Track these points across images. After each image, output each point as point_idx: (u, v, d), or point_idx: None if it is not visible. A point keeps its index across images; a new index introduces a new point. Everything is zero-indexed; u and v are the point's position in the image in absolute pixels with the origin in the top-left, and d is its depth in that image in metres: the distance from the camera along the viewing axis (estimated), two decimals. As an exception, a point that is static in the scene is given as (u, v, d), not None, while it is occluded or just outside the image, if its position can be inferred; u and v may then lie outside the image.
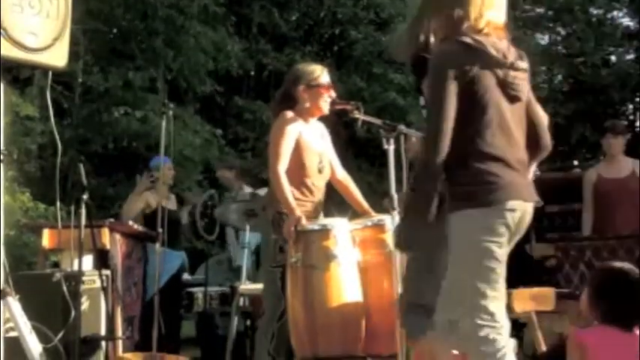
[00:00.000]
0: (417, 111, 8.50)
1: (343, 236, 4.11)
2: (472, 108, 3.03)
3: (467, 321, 3.03)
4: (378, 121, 4.28)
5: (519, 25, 15.70)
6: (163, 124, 5.42)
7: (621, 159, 6.44)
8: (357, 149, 12.25)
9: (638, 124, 15.55)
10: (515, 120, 3.13)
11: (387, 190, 3.88)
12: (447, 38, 3.15)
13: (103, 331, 4.91)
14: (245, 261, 6.13)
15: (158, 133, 5.62)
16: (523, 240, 5.76)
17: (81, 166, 4.47)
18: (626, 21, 15.50)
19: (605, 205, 6.26)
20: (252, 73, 13.42)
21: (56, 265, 5.38)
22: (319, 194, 4.51)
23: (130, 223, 5.90)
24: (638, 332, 3.16)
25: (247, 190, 7.67)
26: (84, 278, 4.62)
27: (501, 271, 3.05)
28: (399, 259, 3.79)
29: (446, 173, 3.05)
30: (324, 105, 4.47)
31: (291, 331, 4.08)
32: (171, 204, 6.94)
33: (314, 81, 4.47)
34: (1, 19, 3.61)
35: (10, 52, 3.68)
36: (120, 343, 5.23)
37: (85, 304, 4.71)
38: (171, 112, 5.48)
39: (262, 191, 6.28)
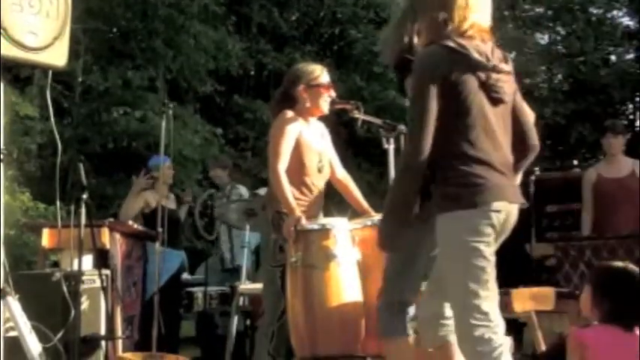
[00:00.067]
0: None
1: (343, 236, 4.10)
2: (455, 111, 3.07)
3: (461, 321, 3.07)
4: (378, 121, 4.28)
5: (519, 24, 15.72)
6: (163, 123, 5.42)
7: (621, 159, 6.44)
8: (357, 149, 12.25)
9: (637, 123, 15.55)
10: (500, 122, 3.16)
11: (387, 190, 3.87)
12: (432, 41, 3.18)
13: (102, 331, 4.91)
14: (245, 261, 6.14)
15: (158, 133, 5.62)
16: (523, 240, 5.82)
17: (81, 165, 4.46)
18: (626, 20, 15.51)
19: (605, 205, 6.27)
20: (252, 72, 13.42)
21: (56, 264, 5.38)
22: (319, 194, 4.51)
23: (130, 222, 5.90)
24: (638, 332, 3.16)
25: (241, 188, 7.69)
26: (84, 278, 4.62)
27: (491, 270, 3.10)
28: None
29: (432, 175, 3.09)
30: (324, 104, 4.47)
31: (291, 331, 4.08)
32: (171, 203, 6.94)
33: (314, 81, 4.47)
34: (1, 18, 3.61)
35: (10, 51, 3.68)
36: (120, 342, 5.23)
37: (84, 304, 4.70)
38: (171, 112, 5.48)
39: (262, 191, 6.28)
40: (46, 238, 5.32)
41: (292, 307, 4.08)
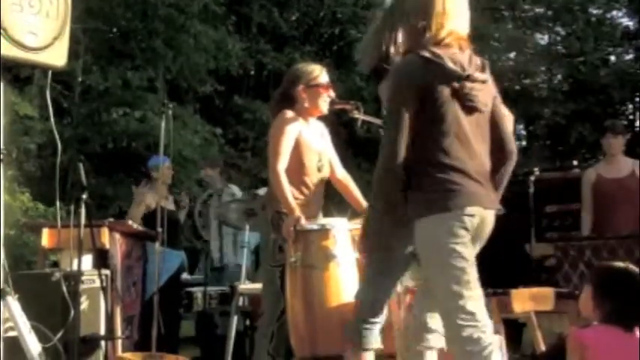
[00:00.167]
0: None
1: (342, 236, 4.10)
2: (430, 119, 3.14)
3: (448, 323, 3.13)
4: (377, 121, 4.28)
5: (519, 24, 15.72)
6: (163, 123, 5.42)
7: (621, 159, 6.44)
8: (357, 149, 12.25)
9: (637, 123, 15.57)
10: (476, 131, 3.22)
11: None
12: (410, 49, 3.25)
13: (102, 331, 4.91)
14: (245, 261, 6.14)
15: (157, 133, 5.62)
16: (522, 240, 5.82)
17: (80, 165, 4.46)
18: (626, 21, 15.53)
19: (605, 205, 6.26)
20: (252, 72, 13.42)
21: (55, 264, 5.38)
22: (318, 194, 4.51)
23: (130, 222, 5.90)
24: (638, 333, 3.16)
25: (234, 188, 7.70)
26: (83, 278, 4.62)
27: (471, 271, 3.14)
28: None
29: (409, 182, 3.17)
30: (324, 105, 4.47)
31: (291, 331, 4.08)
32: (170, 204, 6.94)
33: (313, 81, 4.47)
34: (1, 18, 3.61)
35: (10, 51, 3.68)
36: (119, 342, 5.23)
37: (84, 304, 4.70)
38: (170, 112, 5.48)
39: (262, 191, 6.27)
40: (46, 238, 5.32)
41: (292, 307, 4.08)
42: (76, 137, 10.86)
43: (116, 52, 11.82)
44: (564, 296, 4.94)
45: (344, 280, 4.05)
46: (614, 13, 15.52)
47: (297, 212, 4.13)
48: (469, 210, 3.12)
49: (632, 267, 3.29)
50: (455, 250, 3.10)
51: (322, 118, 4.63)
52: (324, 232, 4.09)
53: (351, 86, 12.37)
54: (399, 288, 3.86)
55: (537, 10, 15.83)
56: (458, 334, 3.09)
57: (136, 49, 11.65)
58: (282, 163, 4.29)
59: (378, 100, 4.22)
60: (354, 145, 11.93)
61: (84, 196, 4.38)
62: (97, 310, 4.89)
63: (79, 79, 10.98)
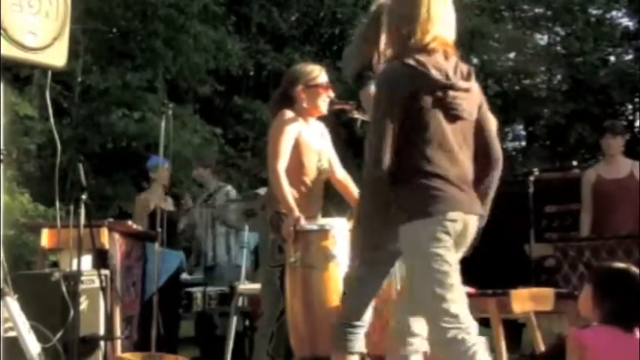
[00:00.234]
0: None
1: (342, 236, 4.10)
2: (413, 127, 3.18)
3: (433, 327, 3.18)
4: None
5: (518, 25, 15.73)
6: (162, 124, 5.42)
7: (620, 159, 6.44)
8: (357, 149, 12.21)
9: (637, 124, 15.57)
10: (459, 138, 3.25)
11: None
12: (397, 55, 3.28)
13: (101, 331, 4.91)
14: (244, 261, 6.14)
15: (157, 133, 5.61)
16: (522, 240, 5.82)
17: (80, 165, 4.46)
18: (625, 21, 15.55)
19: (604, 206, 6.27)
20: (252, 72, 13.43)
21: (55, 264, 5.38)
22: (318, 194, 4.51)
23: (129, 222, 5.90)
24: (638, 334, 3.16)
25: (227, 187, 7.72)
26: (83, 278, 4.62)
27: (455, 274, 3.19)
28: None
29: (393, 188, 3.20)
30: (323, 105, 4.47)
31: (290, 331, 4.08)
32: (169, 205, 6.95)
33: (312, 81, 4.46)
34: (0, 18, 3.61)
35: (10, 51, 3.68)
36: (119, 342, 5.23)
37: (83, 304, 4.70)
38: (170, 112, 5.48)
39: (262, 191, 6.28)
40: (46, 238, 5.32)
41: (291, 307, 4.08)
42: (75, 137, 10.87)
43: (116, 53, 11.83)
44: (564, 296, 4.94)
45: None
46: (614, 13, 15.54)
47: (297, 212, 4.13)
48: (451, 215, 3.17)
49: (633, 268, 3.29)
50: (437, 254, 3.14)
51: (322, 119, 4.63)
52: (323, 232, 4.09)
53: (350, 86, 12.32)
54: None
55: (537, 10, 15.85)
56: (443, 336, 3.13)
57: (136, 50, 11.65)
58: (282, 164, 4.29)
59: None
60: (353, 145, 11.90)
61: (83, 197, 4.38)
62: (96, 310, 4.89)
63: (79, 80, 11.00)
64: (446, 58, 3.26)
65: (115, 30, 12.17)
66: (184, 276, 7.32)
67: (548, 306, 4.87)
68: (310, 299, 4.02)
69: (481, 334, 5.51)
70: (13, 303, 3.71)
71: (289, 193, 4.22)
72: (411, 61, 3.18)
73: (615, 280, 3.26)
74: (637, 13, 15.07)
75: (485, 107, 3.42)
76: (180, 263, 6.91)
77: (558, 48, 15.88)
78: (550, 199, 6.73)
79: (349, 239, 3.72)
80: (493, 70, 14.98)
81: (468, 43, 14.20)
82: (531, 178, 5.80)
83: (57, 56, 3.90)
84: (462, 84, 3.25)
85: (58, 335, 4.09)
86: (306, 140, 4.41)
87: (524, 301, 4.74)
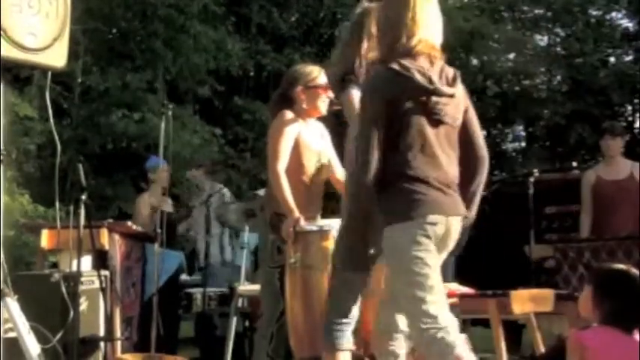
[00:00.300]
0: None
1: (342, 237, 4.10)
2: (396, 131, 3.22)
3: (413, 328, 3.25)
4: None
5: (518, 25, 15.73)
6: (162, 125, 5.42)
7: (620, 160, 6.44)
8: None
9: (636, 125, 15.56)
10: (442, 142, 3.30)
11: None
12: (383, 59, 3.34)
13: (101, 332, 4.91)
14: (244, 262, 6.14)
15: (157, 134, 5.61)
16: (522, 241, 5.82)
17: (80, 166, 4.46)
18: (625, 22, 15.53)
19: (604, 207, 6.27)
20: (252, 73, 13.42)
21: (55, 265, 5.38)
22: (317, 194, 4.51)
23: (129, 223, 5.90)
24: (637, 336, 3.16)
25: (222, 188, 7.73)
26: (82, 279, 4.62)
27: (435, 276, 3.23)
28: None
29: (377, 192, 3.24)
30: (322, 105, 4.47)
31: (290, 332, 4.08)
32: (168, 207, 6.94)
33: (311, 82, 4.46)
34: (0, 19, 3.61)
35: (10, 52, 3.67)
36: (118, 343, 5.23)
37: (83, 305, 4.70)
38: (170, 113, 5.48)
39: (262, 192, 6.28)
40: (45, 239, 5.32)
41: (291, 308, 4.08)
42: (75, 138, 10.86)
43: (116, 53, 11.82)
44: (564, 297, 4.94)
45: (343, 281, 4.05)
46: (614, 14, 15.53)
47: (297, 213, 4.13)
48: (431, 218, 3.21)
49: (633, 270, 3.29)
50: (417, 257, 3.19)
51: (321, 119, 4.63)
52: (323, 233, 4.09)
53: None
54: None
55: (537, 11, 15.84)
56: (423, 336, 3.19)
57: (136, 50, 11.65)
58: (282, 164, 4.29)
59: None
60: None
61: (83, 197, 4.38)
62: (96, 311, 4.89)
63: (79, 80, 10.99)
64: (431, 62, 3.31)
65: (115, 30, 12.16)
66: (184, 277, 7.32)
67: (548, 307, 4.87)
68: (310, 300, 4.02)
69: (481, 334, 5.54)
70: (13, 304, 3.71)
71: (289, 194, 4.22)
72: (395, 66, 3.22)
73: (615, 281, 3.26)
74: (637, 14, 15.06)
75: (472, 111, 3.46)
76: (179, 264, 6.91)
77: (558, 49, 15.88)
78: (550, 200, 6.74)
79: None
80: (493, 71, 14.98)
81: (467, 43, 14.22)
82: (531, 179, 5.81)
83: (57, 57, 3.90)
84: (446, 89, 3.29)
85: (58, 336, 4.09)
86: (305, 141, 4.41)
87: (524, 302, 4.74)
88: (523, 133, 16.57)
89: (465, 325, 5.03)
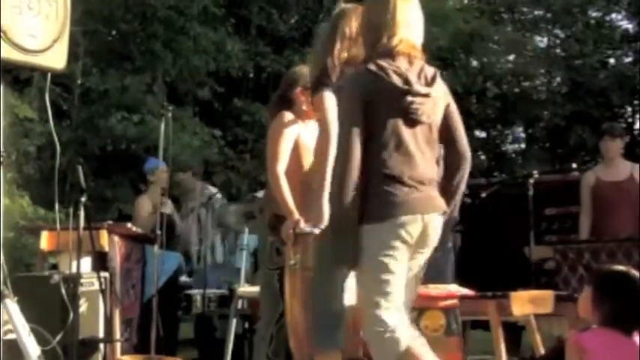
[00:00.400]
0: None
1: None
2: (372, 131, 3.28)
3: (366, 328, 3.35)
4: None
5: (518, 27, 15.73)
6: (162, 126, 5.42)
7: (619, 162, 6.44)
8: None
9: (636, 126, 15.56)
10: (418, 141, 3.35)
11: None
12: (366, 59, 3.42)
13: (101, 334, 4.91)
14: (244, 263, 6.13)
15: (156, 136, 5.62)
16: (521, 243, 5.82)
17: (79, 167, 4.46)
18: (625, 23, 15.54)
19: (604, 208, 6.27)
20: (251, 75, 13.42)
21: (55, 267, 5.38)
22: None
23: (129, 225, 5.90)
24: (637, 338, 3.15)
25: (212, 189, 7.74)
26: (82, 280, 4.62)
27: (397, 281, 3.29)
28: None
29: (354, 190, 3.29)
30: (322, 107, 4.47)
31: (290, 334, 4.08)
32: (167, 208, 6.94)
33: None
34: (0, 21, 3.61)
35: (10, 54, 3.67)
36: (118, 345, 5.23)
37: (83, 306, 4.71)
38: (170, 115, 5.48)
39: (261, 193, 6.28)
40: (45, 241, 5.32)
41: (291, 309, 4.07)
42: (75, 140, 10.85)
43: (115, 55, 11.82)
44: (563, 299, 4.94)
45: (343, 282, 4.05)
46: (614, 15, 15.54)
47: (297, 215, 4.13)
48: (403, 219, 3.25)
49: (633, 271, 3.29)
50: (383, 262, 3.25)
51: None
52: (323, 234, 4.09)
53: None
54: None
55: (536, 12, 15.85)
56: (370, 335, 3.31)
57: (136, 52, 11.65)
58: (281, 166, 4.29)
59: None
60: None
61: (83, 199, 4.38)
62: (96, 312, 4.89)
63: (79, 82, 10.99)
64: (410, 62, 3.36)
65: (114, 32, 12.16)
66: (183, 278, 7.32)
67: (548, 308, 4.87)
68: (310, 302, 4.01)
69: (481, 337, 5.54)
70: (12, 305, 3.71)
71: (289, 196, 4.22)
72: (372, 67, 3.29)
73: (615, 282, 3.26)
74: (636, 16, 15.07)
75: (454, 107, 3.51)
76: (178, 265, 6.91)
77: (558, 50, 15.89)
78: (550, 201, 6.74)
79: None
80: (492, 73, 14.99)
81: (467, 45, 14.23)
82: (531, 181, 5.80)
83: (57, 58, 3.90)
84: (421, 89, 3.33)
85: (58, 338, 4.09)
86: (305, 142, 4.41)
87: (523, 303, 4.74)
88: (523, 135, 16.58)
89: (465, 328, 5.03)
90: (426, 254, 3.41)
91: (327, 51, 3.94)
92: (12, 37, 3.67)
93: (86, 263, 4.85)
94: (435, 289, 4.53)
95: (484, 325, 5.03)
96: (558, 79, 15.82)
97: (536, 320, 4.93)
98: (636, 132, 15.21)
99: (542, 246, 6.13)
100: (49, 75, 4.11)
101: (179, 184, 7.70)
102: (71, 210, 4.48)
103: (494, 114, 15.54)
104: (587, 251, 5.82)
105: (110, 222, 5.81)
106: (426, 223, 3.31)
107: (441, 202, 3.40)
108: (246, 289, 5.83)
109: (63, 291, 4.35)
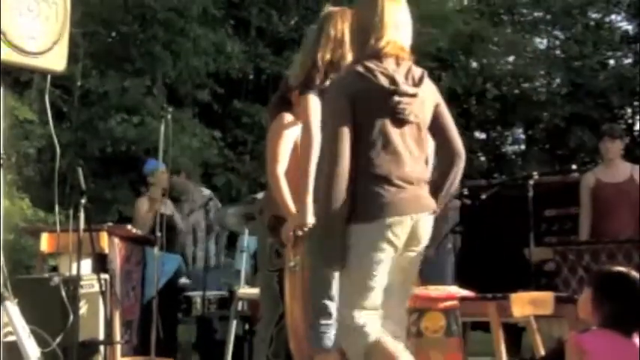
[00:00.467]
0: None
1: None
2: (359, 131, 3.31)
3: (338, 322, 3.43)
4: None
5: (517, 28, 15.73)
6: (162, 128, 5.42)
7: (619, 163, 6.44)
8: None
9: (636, 127, 15.55)
10: (406, 141, 3.37)
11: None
12: (355, 61, 3.47)
13: (101, 336, 4.91)
14: (244, 265, 6.13)
15: (156, 137, 5.61)
16: (521, 244, 5.82)
17: (79, 169, 4.46)
18: (625, 25, 15.53)
19: (603, 210, 6.27)
20: (251, 76, 13.42)
21: (55, 269, 5.38)
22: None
23: (129, 227, 5.90)
24: (637, 340, 3.15)
25: (205, 191, 7.73)
26: (82, 282, 4.62)
27: (377, 283, 3.32)
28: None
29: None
30: (322, 108, 4.47)
31: (290, 335, 4.08)
32: (167, 209, 6.95)
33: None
34: (0, 22, 3.61)
35: (10, 56, 3.68)
36: (118, 347, 5.23)
37: (83, 308, 4.71)
38: (169, 116, 5.48)
39: (261, 195, 6.27)
40: (45, 243, 5.32)
41: (291, 311, 4.07)
42: (75, 141, 10.85)
43: (115, 57, 11.82)
44: (563, 300, 4.94)
45: (343, 284, 4.05)
46: (613, 17, 15.53)
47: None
48: (390, 220, 3.27)
49: (634, 273, 3.29)
50: (366, 263, 3.28)
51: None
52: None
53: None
54: None
55: (536, 13, 15.84)
56: (343, 332, 3.37)
57: (135, 54, 11.65)
58: (281, 167, 4.28)
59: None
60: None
61: (83, 201, 4.38)
62: (96, 314, 4.89)
63: (79, 84, 10.99)
64: (398, 63, 3.39)
65: (114, 34, 12.17)
66: (183, 280, 7.31)
67: (548, 310, 4.86)
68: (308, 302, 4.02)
69: (481, 339, 5.54)
70: (12, 307, 3.71)
71: (289, 197, 4.22)
72: (359, 68, 3.34)
73: (615, 283, 3.26)
74: (636, 17, 15.06)
75: (443, 107, 3.54)
76: (178, 267, 6.91)
77: (557, 52, 15.88)
78: (550, 202, 6.74)
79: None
80: (492, 74, 14.98)
81: (467, 46, 14.23)
82: (531, 182, 5.80)
83: (56, 60, 3.90)
84: (409, 89, 3.36)
85: (58, 340, 4.09)
86: (305, 144, 4.41)
87: (524, 304, 4.74)
88: (523, 136, 16.57)
89: (465, 329, 5.03)
90: (417, 252, 3.43)
91: (313, 53, 3.97)
92: (12, 38, 3.67)
93: (86, 265, 4.85)
94: (435, 291, 4.54)
95: (484, 327, 5.03)
96: (558, 81, 15.81)
97: (536, 321, 4.93)
98: (636, 133, 15.20)
99: (542, 247, 6.12)
100: (49, 77, 4.11)
101: (173, 186, 7.69)
102: (71, 212, 4.48)
103: (494, 115, 15.53)
104: (587, 252, 5.82)
105: (110, 224, 5.80)
106: (415, 222, 3.33)
107: (430, 201, 3.42)
108: (246, 290, 5.83)
109: (63, 293, 4.35)
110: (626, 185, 6.30)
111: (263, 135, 8.84)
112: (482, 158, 15.60)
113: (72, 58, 4.50)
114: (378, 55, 3.37)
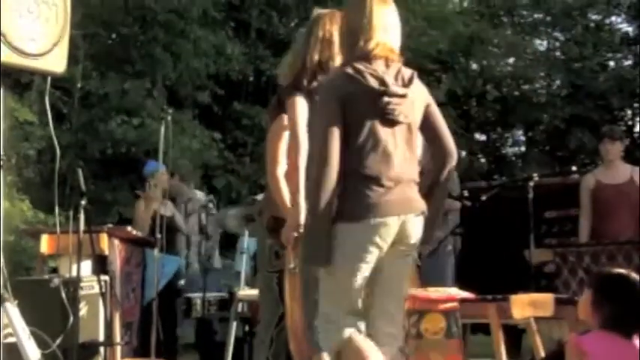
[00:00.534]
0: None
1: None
2: (348, 132, 3.32)
3: (317, 321, 3.44)
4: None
5: (518, 30, 15.74)
6: (162, 129, 5.42)
7: (619, 165, 6.43)
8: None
9: (636, 129, 15.57)
10: (396, 141, 3.38)
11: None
12: (344, 62, 3.49)
13: (101, 337, 4.91)
14: (244, 266, 6.13)
15: (156, 139, 5.62)
16: (521, 245, 5.83)
17: (79, 171, 4.46)
18: (625, 26, 15.54)
19: (603, 211, 6.26)
20: (251, 78, 13.43)
21: (55, 270, 5.38)
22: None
23: (129, 228, 5.90)
24: (637, 341, 3.15)
25: (198, 193, 7.72)
26: (82, 284, 4.62)
27: (358, 284, 3.33)
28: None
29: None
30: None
31: (290, 337, 4.07)
32: (167, 210, 6.94)
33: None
34: (0, 24, 3.61)
35: (10, 57, 3.68)
36: (118, 348, 5.23)
37: (83, 310, 4.71)
38: (169, 118, 5.48)
39: (261, 197, 6.27)
40: (45, 244, 5.32)
41: (291, 312, 4.07)
42: (75, 143, 10.86)
43: (115, 58, 11.83)
44: (564, 302, 4.93)
45: (343, 286, 4.05)
46: (613, 18, 15.55)
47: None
48: (378, 221, 3.28)
49: (634, 274, 3.29)
50: (350, 262, 3.29)
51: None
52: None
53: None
54: None
55: (536, 15, 15.86)
56: (319, 328, 3.41)
57: (136, 55, 11.66)
58: (281, 169, 4.29)
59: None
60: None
61: (83, 202, 4.38)
62: (96, 316, 4.89)
63: (79, 85, 11.00)
64: (387, 65, 3.41)
65: (114, 35, 12.18)
66: (183, 281, 7.31)
67: (548, 311, 4.86)
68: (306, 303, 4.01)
69: (481, 341, 5.54)
70: (12, 309, 3.71)
71: (288, 198, 4.22)
72: (349, 69, 3.35)
73: (615, 285, 3.26)
74: (636, 19, 15.08)
75: (434, 107, 3.55)
76: (178, 268, 6.91)
77: (557, 53, 15.89)
78: (550, 204, 6.73)
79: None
80: (492, 76, 15.00)
81: (467, 48, 14.23)
82: (531, 184, 5.79)
83: (57, 62, 3.90)
84: (397, 90, 3.37)
85: (58, 341, 4.09)
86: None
87: (524, 306, 4.74)
88: (523, 138, 16.59)
89: (465, 331, 5.03)
90: (407, 251, 3.42)
91: (303, 54, 3.98)
92: (12, 40, 3.67)
93: (86, 267, 4.85)
94: (435, 292, 4.53)
95: (484, 330, 5.02)
96: (558, 82, 15.83)
97: (536, 323, 4.92)
98: (636, 135, 15.22)
99: (543, 249, 6.12)
100: (49, 78, 4.11)
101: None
102: (71, 213, 4.48)
103: (494, 117, 15.55)
104: (587, 254, 5.82)
105: (110, 225, 5.81)
106: (403, 223, 3.34)
107: (419, 203, 3.42)
108: (246, 292, 5.83)
109: (63, 294, 4.35)
110: (626, 187, 6.29)
111: (263, 137, 8.84)
112: (483, 160, 15.62)
113: (72, 59, 4.51)
114: (367, 57, 3.38)
